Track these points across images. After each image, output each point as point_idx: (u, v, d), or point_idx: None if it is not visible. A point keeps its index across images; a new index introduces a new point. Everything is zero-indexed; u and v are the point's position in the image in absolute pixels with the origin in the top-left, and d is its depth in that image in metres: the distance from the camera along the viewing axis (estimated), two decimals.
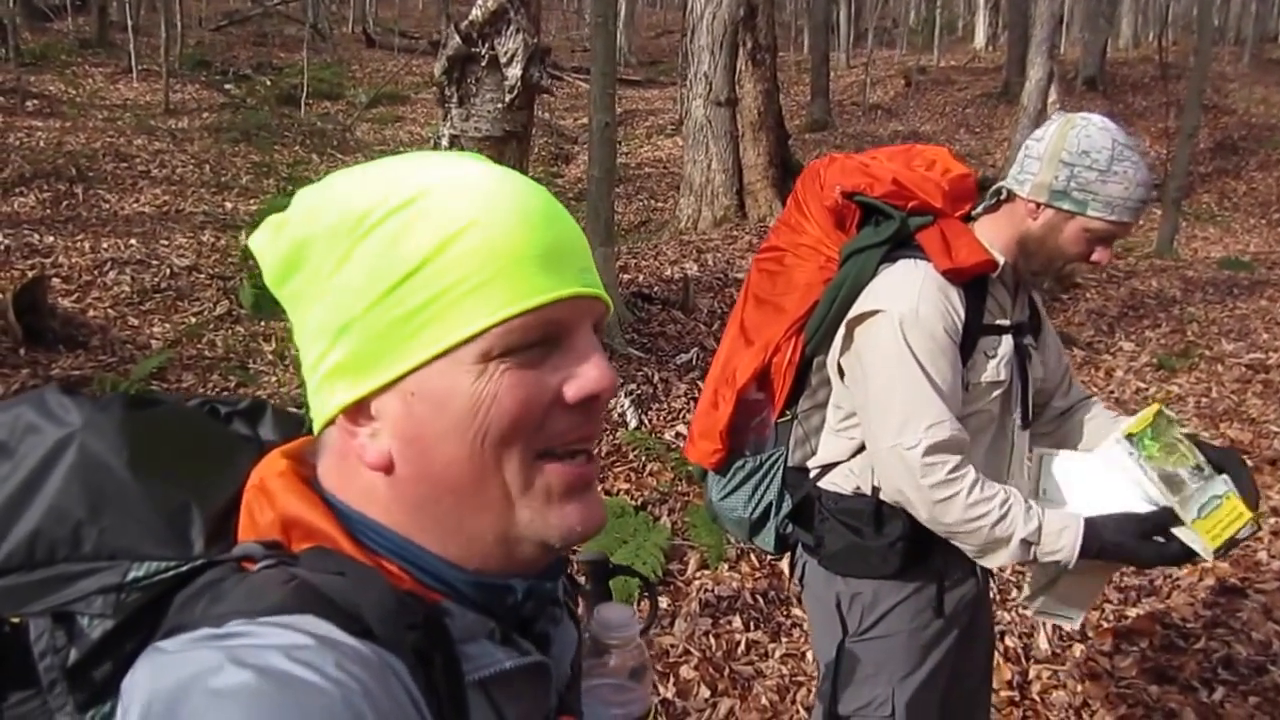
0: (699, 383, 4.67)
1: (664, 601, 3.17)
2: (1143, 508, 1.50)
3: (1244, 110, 15.60)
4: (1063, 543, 1.47)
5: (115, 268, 5.82)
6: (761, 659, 2.93)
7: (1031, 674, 2.86)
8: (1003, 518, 1.48)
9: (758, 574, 3.37)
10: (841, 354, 1.63)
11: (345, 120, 12.68)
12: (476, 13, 4.37)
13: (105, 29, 15.72)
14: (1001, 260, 1.60)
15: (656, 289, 6.34)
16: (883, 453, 1.54)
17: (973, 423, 1.59)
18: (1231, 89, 16.81)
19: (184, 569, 0.60)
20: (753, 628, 3.07)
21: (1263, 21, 22.61)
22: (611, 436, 4.36)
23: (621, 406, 4.56)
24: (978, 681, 1.91)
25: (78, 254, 6.02)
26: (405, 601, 0.58)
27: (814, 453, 1.73)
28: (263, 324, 5.41)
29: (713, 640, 2.99)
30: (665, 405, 4.72)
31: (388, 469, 0.62)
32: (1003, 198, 1.61)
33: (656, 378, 4.94)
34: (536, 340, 0.60)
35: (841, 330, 1.61)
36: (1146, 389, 5.22)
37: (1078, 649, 2.95)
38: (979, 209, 1.66)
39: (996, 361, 1.61)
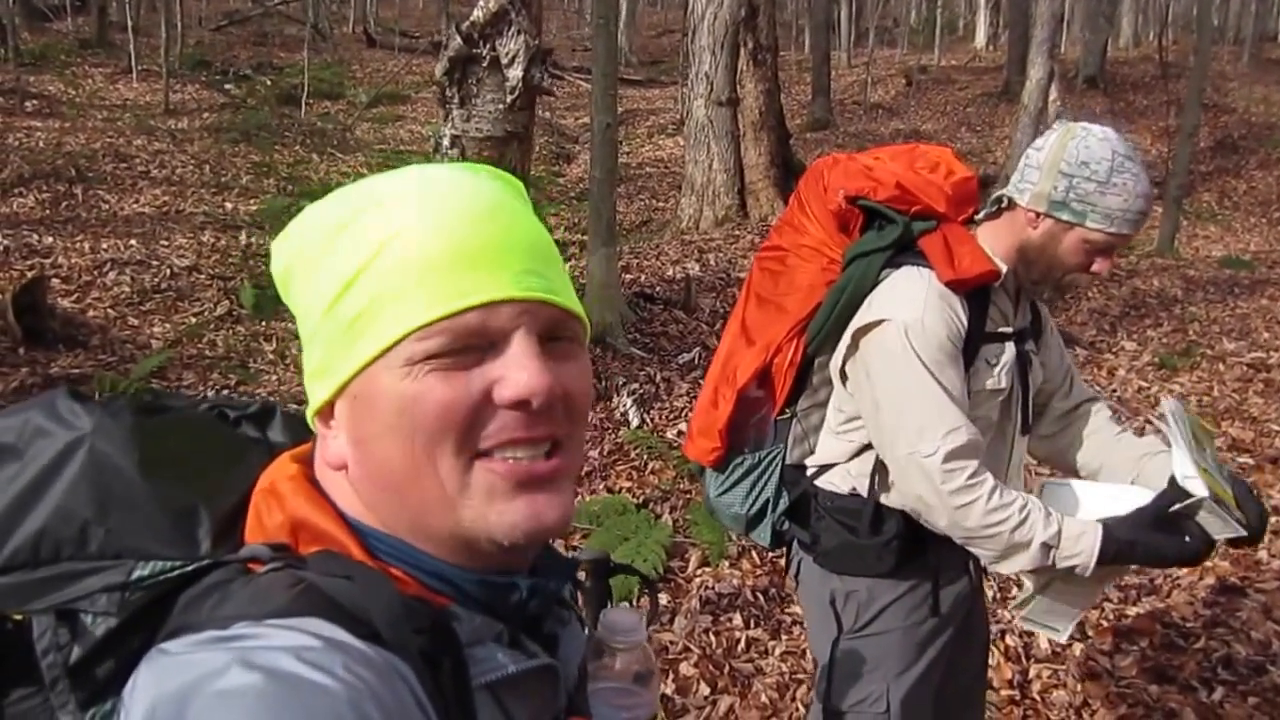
0: (701, 382, 4.67)
1: (664, 598, 3.17)
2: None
3: (1244, 109, 15.58)
4: (1081, 547, 1.46)
5: (115, 268, 5.82)
6: (762, 656, 2.93)
7: (1032, 673, 2.86)
8: (1022, 522, 1.47)
9: (759, 571, 3.37)
10: (845, 361, 1.62)
11: (346, 120, 12.67)
12: (478, 13, 4.37)
13: (105, 29, 15.71)
14: (1004, 268, 1.60)
15: (658, 289, 6.34)
16: (900, 461, 1.54)
17: None
18: (1231, 88, 16.79)
19: (189, 569, 0.61)
20: (753, 625, 3.07)
21: (1262, 21, 22.57)
22: (614, 435, 4.36)
23: (624, 406, 4.57)
24: (972, 678, 1.91)
25: (77, 254, 6.02)
26: (412, 606, 0.59)
27: (812, 451, 1.74)
28: (263, 324, 5.42)
29: (713, 637, 2.99)
30: (667, 404, 4.73)
31: (344, 468, 0.64)
32: (1004, 205, 1.61)
33: (658, 377, 4.95)
34: (459, 345, 0.60)
35: (846, 338, 1.61)
36: (1148, 388, 5.22)
37: (1078, 648, 2.96)
38: (980, 215, 1.65)
39: (998, 369, 1.61)
